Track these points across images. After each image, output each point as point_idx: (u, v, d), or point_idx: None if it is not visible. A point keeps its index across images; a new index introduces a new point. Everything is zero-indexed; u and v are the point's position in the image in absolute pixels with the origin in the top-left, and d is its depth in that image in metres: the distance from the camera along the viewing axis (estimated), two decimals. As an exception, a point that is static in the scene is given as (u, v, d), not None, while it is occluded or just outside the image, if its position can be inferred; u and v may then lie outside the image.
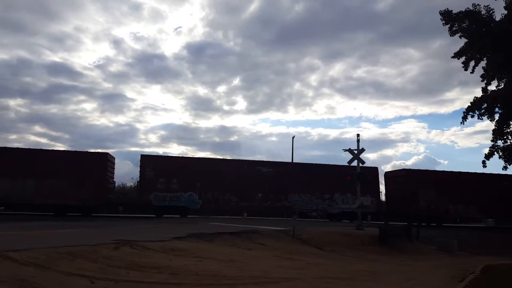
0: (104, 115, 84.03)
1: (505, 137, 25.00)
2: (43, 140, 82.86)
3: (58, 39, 76.27)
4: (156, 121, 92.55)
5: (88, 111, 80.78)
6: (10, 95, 75.08)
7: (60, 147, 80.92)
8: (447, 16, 23.58)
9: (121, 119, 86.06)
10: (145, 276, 6.41)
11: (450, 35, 24.02)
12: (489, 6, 23.63)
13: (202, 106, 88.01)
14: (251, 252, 10.73)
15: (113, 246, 8.92)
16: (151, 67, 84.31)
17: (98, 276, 6.09)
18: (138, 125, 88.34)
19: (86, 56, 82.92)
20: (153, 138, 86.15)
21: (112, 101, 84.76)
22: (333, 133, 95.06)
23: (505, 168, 25.27)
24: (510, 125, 25.01)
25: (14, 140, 75.91)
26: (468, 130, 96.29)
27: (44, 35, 75.69)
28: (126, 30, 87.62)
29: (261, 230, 14.99)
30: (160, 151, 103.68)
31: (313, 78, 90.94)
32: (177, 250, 9.39)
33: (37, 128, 77.76)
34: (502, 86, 24.92)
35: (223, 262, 8.53)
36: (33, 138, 74.79)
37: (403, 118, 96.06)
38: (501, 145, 24.98)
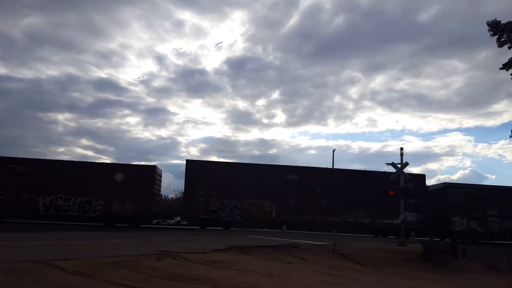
0: (147, 128, 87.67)
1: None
2: (89, 153, 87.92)
3: (104, 55, 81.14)
4: (196, 135, 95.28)
5: (132, 125, 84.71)
6: (58, 109, 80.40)
7: (106, 159, 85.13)
8: (495, 27, 22.92)
9: (163, 132, 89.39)
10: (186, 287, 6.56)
11: (499, 46, 23.25)
12: None
13: (241, 119, 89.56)
14: (290, 266, 10.67)
15: (156, 257, 9.20)
16: (192, 82, 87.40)
17: (141, 286, 6.28)
18: (179, 138, 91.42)
19: (131, 72, 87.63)
20: (193, 151, 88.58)
21: (155, 115, 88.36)
22: (374, 146, 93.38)
23: None
24: (560, 138, 23.39)
25: (62, 153, 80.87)
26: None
27: (91, 52, 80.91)
28: (169, 47, 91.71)
29: (300, 244, 14.87)
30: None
31: (354, 91, 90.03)
32: (217, 262, 9.54)
33: (84, 141, 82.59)
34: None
35: (263, 275, 8.56)
36: (80, 150, 79.40)
37: (448, 131, 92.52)
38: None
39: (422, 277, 11.36)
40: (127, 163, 27.98)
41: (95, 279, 6.49)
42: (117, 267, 7.59)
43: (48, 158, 28.13)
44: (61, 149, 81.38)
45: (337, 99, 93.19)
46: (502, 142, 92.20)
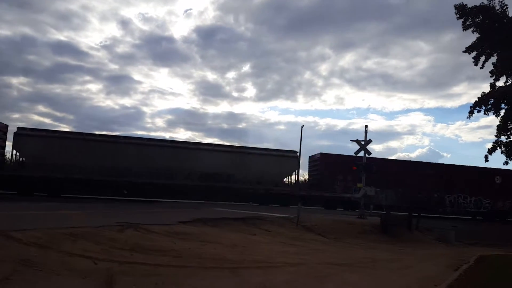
0: (109, 97, 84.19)
1: (508, 132, 25.12)
2: (47, 120, 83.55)
3: (64, 17, 75.78)
4: (163, 105, 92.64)
5: (94, 92, 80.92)
6: (12, 73, 75.28)
7: (65, 127, 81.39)
8: (462, 10, 23.43)
9: (127, 101, 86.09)
10: (148, 259, 6.52)
11: (463, 30, 23.92)
12: (503, 2, 23.43)
13: (210, 91, 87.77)
14: (255, 238, 10.88)
15: (117, 228, 9.07)
16: (159, 49, 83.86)
17: (101, 258, 6.17)
18: (144, 109, 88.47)
19: (93, 35, 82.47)
20: (159, 122, 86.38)
21: (118, 82, 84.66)
22: (341, 124, 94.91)
23: (506, 163, 25.37)
24: (514, 121, 24.94)
25: (17, 119, 76.28)
26: (473, 124, 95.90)
27: (50, 12, 75.10)
28: (134, 11, 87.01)
29: (265, 217, 15.16)
30: (166, 135, 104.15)
31: (324, 68, 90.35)
32: (181, 234, 9.54)
33: (41, 108, 78.10)
34: (510, 82, 24.88)
35: (227, 246, 8.67)
36: (36, 117, 75.23)
37: (410, 111, 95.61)
38: (504, 140, 25.09)
39: (378, 248, 11.96)
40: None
41: (52, 250, 6.32)
42: (75, 238, 7.42)
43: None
44: (16, 116, 76.53)
45: (307, 75, 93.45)
46: (459, 123, 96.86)
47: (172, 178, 24.41)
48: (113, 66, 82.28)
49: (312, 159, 29.56)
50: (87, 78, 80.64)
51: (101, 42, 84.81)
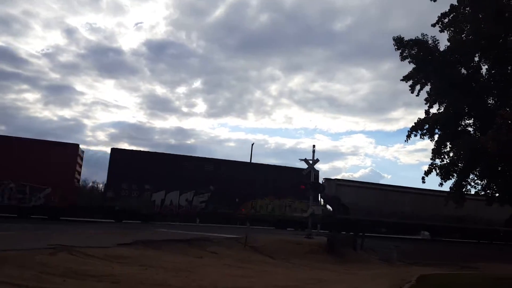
0: (48, 107, 79.37)
1: (442, 156, 27.21)
2: (-27, 129, 76.55)
3: (3, 21, 71.24)
4: (106, 118, 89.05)
5: (30, 102, 75.89)
6: None
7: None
8: (399, 43, 25.43)
9: (67, 113, 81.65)
10: (83, 285, 6.03)
11: (401, 60, 25.86)
12: (435, 37, 25.83)
13: (159, 105, 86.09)
14: (201, 260, 10.46)
15: (49, 252, 8.29)
16: (105, 60, 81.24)
17: (30, 285, 5.63)
18: (85, 121, 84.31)
19: (34, 42, 78.09)
20: (101, 136, 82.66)
21: (58, 93, 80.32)
22: (289, 143, 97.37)
23: (441, 184, 27.34)
24: (447, 145, 27.25)
25: None
26: (410, 147, 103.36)
27: (-13, 15, 70.33)
28: (81, 20, 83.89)
29: (212, 238, 14.73)
30: (108, 150, 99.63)
31: (274, 88, 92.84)
32: (121, 258, 8.92)
33: (-31, 116, 71.69)
34: (442, 110, 27.23)
35: (171, 270, 8.21)
36: (-36, 126, 68.74)
37: (353, 133, 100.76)
38: (439, 163, 27.08)
39: (325, 268, 12.06)
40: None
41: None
42: (1, 263, 6.66)
43: None
44: None
45: (258, 94, 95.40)
46: (397, 145, 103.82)
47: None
48: (54, 75, 78.11)
49: None
50: (24, 86, 75.65)
51: (42, 50, 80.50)
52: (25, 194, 21.18)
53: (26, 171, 20.98)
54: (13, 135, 22.88)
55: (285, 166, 28.74)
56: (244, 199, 26.14)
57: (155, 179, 24.24)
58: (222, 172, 26.14)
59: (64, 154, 22.07)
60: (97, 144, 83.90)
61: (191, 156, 26.78)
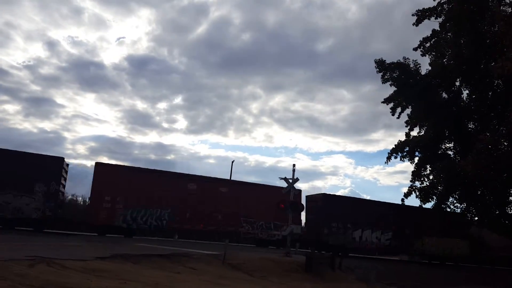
0: (28, 119, 78.25)
1: (422, 179, 27.77)
2: (-49, 142, 74.70)
3: (-18, 31, 70.53)
4: (86, 131, 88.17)
5: (10, 113, 74.71)
6: None
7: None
8: (381, 65, 26.13)
9: (47, 125, 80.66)
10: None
11: (382, 83, 26.55)
12: (416, 61, 26.67)
13: (139, 120, 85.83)
14: (179, 276, 10.50)
15: (27, 263, 8.27)
16: (86, 74, 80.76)
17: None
18: (65, 134, 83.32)
19: (15, 54, 77.34)
20: (81, 149, 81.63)
21: (38, 105, 79.36)
22: (269, 161, 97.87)
23: (420, 206, 27.85)
24: (427, 168, 27.83)
25: None
26: (390, 169, 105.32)
27: (-34, 25, 69.57)
28: (63, 33, 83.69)
29: (192, 254, 14.74)
30: (88, 163, 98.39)
31: (254, 106, 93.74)
32: (99, 271, 8.93)
33: None
34: (423, 133, 27.82)
35: (149, 285, 8.28)
36: None
37: (333, 153, 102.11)
38: (418, 185, 27.62)
39: (302, 286, 12.22)
40: None
41: None
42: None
43: None
44: None
45: (238, 112, 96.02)
46: (377, 167, 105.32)
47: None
48: (35, 87, 77.44)
49: None
50: (4, 97, 74.71)
51: (23, 62, 79.76)
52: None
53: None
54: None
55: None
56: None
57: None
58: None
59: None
60: (76, 157, 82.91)
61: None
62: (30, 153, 22.67)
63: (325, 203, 26.29)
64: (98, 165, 24.11)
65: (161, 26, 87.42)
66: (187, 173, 27.27)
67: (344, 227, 26.35)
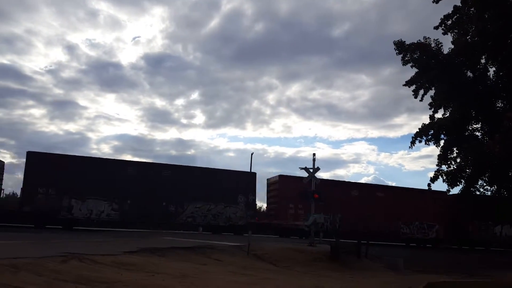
0: (53, 122, 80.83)
1: (448, 162, 26.82)
2: (-15, 145, 78.00)
3: (7, 40, 72.93)
4: (109, 131, 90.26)
5: (37, 117, 77.41)
6: None
7: (5, 153, 76.32)
8: (400, 47, 25.17)
9: (71, 127, 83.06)
10: (94, 291, 6.28)
11: (403, 64, 25.60)
12: (438, 40, 25.52)
13: (159, 118, 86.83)
14: (205, 267, 10.70)
15: (61, 259, 8.61)
16: (106, 75, 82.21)
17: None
18: (90, 134, 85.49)
19: (37, 60, 79.70)
20: (105, 148, 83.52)
21: (62, 108, 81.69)
22: (289, 152, 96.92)
23: (448, 191, 27.00)
24: (453, 151, 26.89)
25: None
26: (415, 154, 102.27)
27: (-8, 35, 71.99)
28: (81, 36, 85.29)
29: (216, 245, 14.97)
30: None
31: (271, 97, 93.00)
32: (128, 265, 9.20)
33: (-20, 133, 73.13)
34: (448, 114, 26.81)
35: (176, 277, 8.47)
36: (-26, 142, 70.16)
37: (354, 140, 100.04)
38: (445, 169, 26.72)
39: (328, 275, 12.17)
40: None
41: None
42: (16, 270, 6.97)
43: None
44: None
45: (255, 104, 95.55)
46: (401, 152, 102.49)
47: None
48: (58, 91, 79.64)
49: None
50: (30, 102, 77.43)
51: (46, 67, 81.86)
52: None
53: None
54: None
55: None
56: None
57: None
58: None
59: None
60: (102, 156, 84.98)
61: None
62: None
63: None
64: None
65: (174, 23, 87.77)
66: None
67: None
